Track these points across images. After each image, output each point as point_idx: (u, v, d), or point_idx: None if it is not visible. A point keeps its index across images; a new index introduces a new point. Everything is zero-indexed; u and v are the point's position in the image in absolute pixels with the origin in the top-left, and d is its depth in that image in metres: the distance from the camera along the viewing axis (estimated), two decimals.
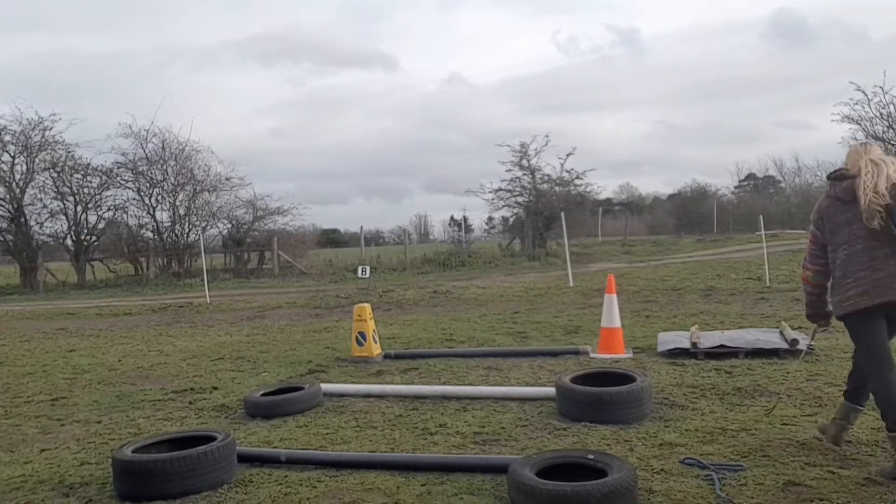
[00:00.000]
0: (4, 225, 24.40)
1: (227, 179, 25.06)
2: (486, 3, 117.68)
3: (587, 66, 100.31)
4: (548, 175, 26.90)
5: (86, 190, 24.82)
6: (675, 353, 6.77)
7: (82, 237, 25.03)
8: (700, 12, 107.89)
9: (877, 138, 26.25)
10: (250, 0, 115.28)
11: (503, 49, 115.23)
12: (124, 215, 25.45)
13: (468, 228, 32.53)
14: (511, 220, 30.38)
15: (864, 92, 25.10)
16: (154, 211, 25.01)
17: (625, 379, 4.99)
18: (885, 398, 3.55)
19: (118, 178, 24.92)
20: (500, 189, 27.25)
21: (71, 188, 24.61)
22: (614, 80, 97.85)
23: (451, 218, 43.97)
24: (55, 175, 24.42)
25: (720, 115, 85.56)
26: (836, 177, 3.77)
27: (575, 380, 5.07)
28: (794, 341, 6.53)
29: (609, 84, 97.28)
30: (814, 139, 74.61)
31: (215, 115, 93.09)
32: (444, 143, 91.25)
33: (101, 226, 25.36)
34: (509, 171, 27.02)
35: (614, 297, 7.31)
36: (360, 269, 17.27)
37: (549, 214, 25.81)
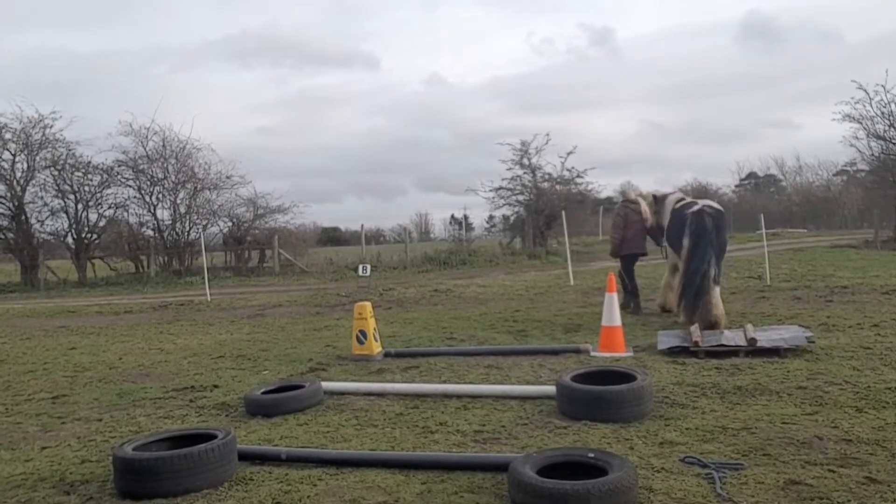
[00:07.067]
0: (5, 223, 24.41)
1: (228, 178, 25.09)
2: (467, 3, 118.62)
3: (569, 66, 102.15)
4: (548, 174, 26.92)
5: (86, 188, 24.83)
6: (676, 352, 6.77)
7: (83, 235, 25.02)
8: (673, 14, 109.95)
9: (878, 137, 26.26)
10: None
11: (486, 49, 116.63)
12: (125, 213, 25.51)
13: (469, 227, 32.55)
14: (512, 218, 30.40)
15: (865, 90, 25.07)
16: (155, 209, 25.03)
17: (625, 377, 4.99)
18: (627, 280, 10.14)
19: (119, 177, 24.93)
20: (500, 187, 27.27)
21: (72, 186, 24.61)
22: (596, 80, 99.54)
23: (452, 216, 44.00)
24: (56, 173, 24.42)
25: (702, 114, 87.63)
26: (633, 201, 10.30)
27: (575, 378, 5.07)
28: (753, 340, 6.57)
29: (591, 84, 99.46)
30: (801, 138, 76.07)
31: (202, 113, 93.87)
32: (432, 142, 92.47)
33: (101, 224, 25.37)
34: (510, 169, 27.03)
35: (615, 295, 7.31)
36: (360, 267, 17.26)
37: (549, 213, 25.81)
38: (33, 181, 24.27)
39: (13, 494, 3.92)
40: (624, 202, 10.44)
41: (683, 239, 8.30)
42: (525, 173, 26.96)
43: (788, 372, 5.80)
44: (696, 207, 8.49)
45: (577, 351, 7.18)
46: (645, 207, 10.08)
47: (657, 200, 10.05)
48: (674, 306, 9.02)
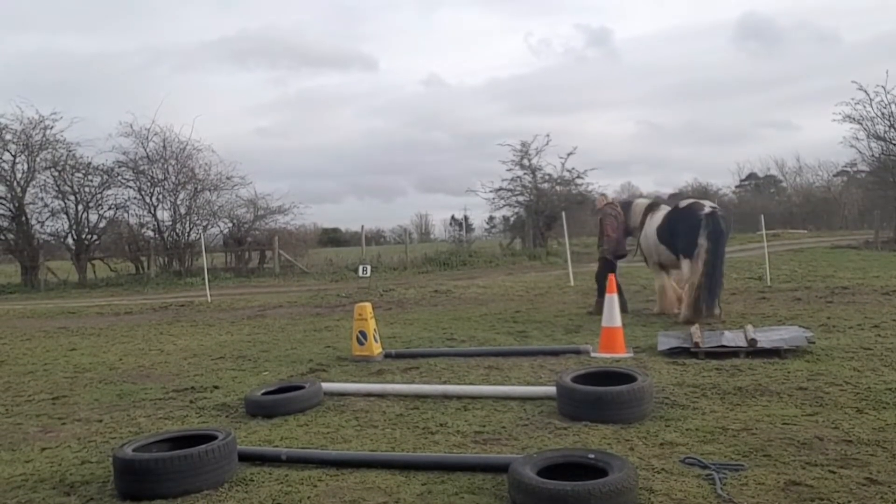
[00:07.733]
0: (6, 224, 24.42)
1: (228, 178, 25.11)
2: (464, 4, 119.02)
3: (568, 67, 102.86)
4: (549, 174, 26.95)
5: (87, 189, 24.85)
6: (676, 353, 6.77)
7: (83, 236, 25.04)
8: (671, 16, 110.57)
9: (878, 138, 26.30)
10: (231, 1, 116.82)
11: (484, 50, 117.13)
12: (125, 214, 25.56)
13: (469, 228, 32.58)
14: (512, 219, 30.43)
15: (865, 91, 25.09)
16: (155, 210, 25.07)
17: (625, 378, 4.99)
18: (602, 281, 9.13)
19: (119, 177, 24.95)
20: (500, 188, 27.32)
21: (72, 187, 24.63)
22: (594, 81, 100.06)
23: (452, 217, 44.01)
24: (56, 174, 24.44)
25: (701, 115, 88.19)
26: (615, 205, 10.55)
27: (576, 379, 5.07)
28: (753, 341, 6.57)
29: (589, 85, 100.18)
30: (802, 138, 76.66)
31: (202, 114, 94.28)
32: (431, 143, 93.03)
33: (102, 225, 25.39)
34: (510, 170, 27.08)
35: (615, 296, 7.31)
36: (360, 268, 17.26)
37: (549, 213, 25.85)
38: (33, 182, 24.34)
39: (13, 495, 3.92)
40: (609, 204, 10.61)
41: (699, 239, 8.75)
42: (525, 174, 27.03)
43: (789, 373, 5.80)
44: (707, 209, 8.97)
45: (578, 352, 7.18)
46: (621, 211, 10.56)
47: (622, 207, 10.59)
48: (682, 305, 9.20)
